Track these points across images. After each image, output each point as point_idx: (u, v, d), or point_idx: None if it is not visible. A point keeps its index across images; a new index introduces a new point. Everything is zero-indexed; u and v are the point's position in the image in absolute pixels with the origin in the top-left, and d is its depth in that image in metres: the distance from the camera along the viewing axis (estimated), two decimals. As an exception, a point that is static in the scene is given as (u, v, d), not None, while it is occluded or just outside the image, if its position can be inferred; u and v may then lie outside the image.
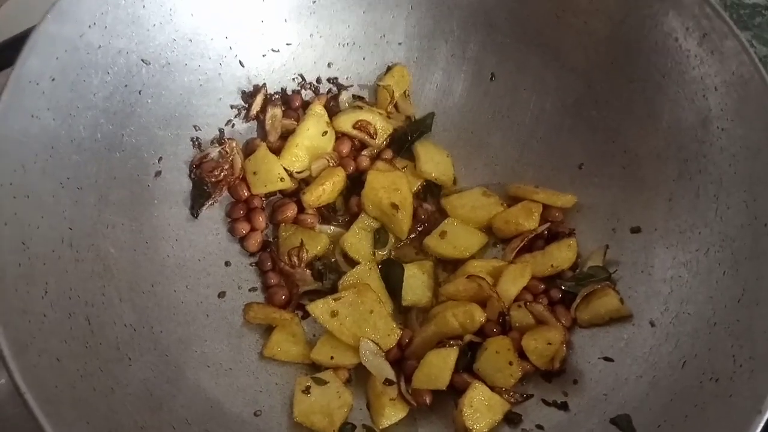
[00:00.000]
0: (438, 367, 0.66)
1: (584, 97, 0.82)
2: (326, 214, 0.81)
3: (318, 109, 0.84)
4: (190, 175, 0.77)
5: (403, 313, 0.75)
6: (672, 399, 0.61)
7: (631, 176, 0.78)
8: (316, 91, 0.88)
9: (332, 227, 0.80)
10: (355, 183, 0.82)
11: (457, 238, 0.79)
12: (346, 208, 0.82)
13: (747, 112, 0.68)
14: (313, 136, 0.82)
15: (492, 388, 0.66)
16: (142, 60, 0.73)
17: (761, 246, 0.62)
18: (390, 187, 0.80)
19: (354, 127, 0.84)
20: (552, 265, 0.75)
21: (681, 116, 0.74)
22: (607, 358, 0.69)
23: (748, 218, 0.65)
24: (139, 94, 0.73)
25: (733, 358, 0.58)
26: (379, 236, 0.79)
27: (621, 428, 0.61)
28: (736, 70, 0.69)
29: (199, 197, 0.76)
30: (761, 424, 0.52)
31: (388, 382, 0.66)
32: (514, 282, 0.73)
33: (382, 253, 0.78)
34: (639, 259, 0.74)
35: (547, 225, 0.79)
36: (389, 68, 0.89)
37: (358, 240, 0.78)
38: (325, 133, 0.83)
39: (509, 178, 0.84)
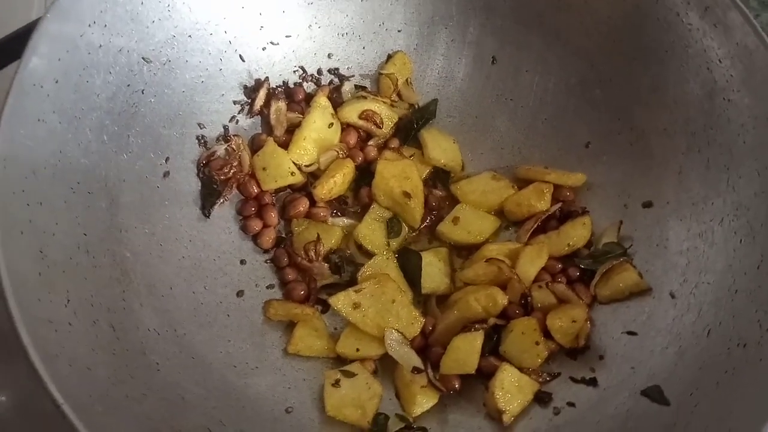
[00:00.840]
0: (465, 351, 0.66)
1: (588, 76, 0.82)
2: (337, 206, 0.80)
3: (322, 100, 0.82)
4: (198, 175, 0.75)
5: (422, 302, 0.75)
6: (701, 367, 0.61)
7: (640, 152, 0.78)
8: (317, 83, 0.87)
9: (345, 219, 0.79)
10: (364, 174, 0.82)
11: (470, 223, 0.79)
12: (356, 199, 0.81)
13: (753, 81, 0.69)
14: (319, 129, 0.81)
15: (520, 369, 0.67)
16: (143, 58, 0.71)
17: None
18: (400, 176, 0.79)
19: (360, 117, 0.83)
20: (568, 244, 0.75)
21: (686, 90, 0.74)
22: (630, 332, 0.69)
23: (761, 186, 0.66)
24: (142, 93, 0.71)
25: (759, 324, 0.59)
26: (392, 226, 0.78)
27: (653, 399, 0.62)
28: (740, 41, 0.69)
29: (209, 196, 0.74)
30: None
31: (416, 370, 0.66)
32: (532, 263, 0.73)
33: (396, 243, 0.78)
34: (653, 233, 0.74)
35: (559, 205, 0.79)
36: (390, 56, 0.88)
37: (371, 231, 0.77)
38: (331, 124, 0.82)
39: (516, 161, 0.85)
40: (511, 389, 0.64)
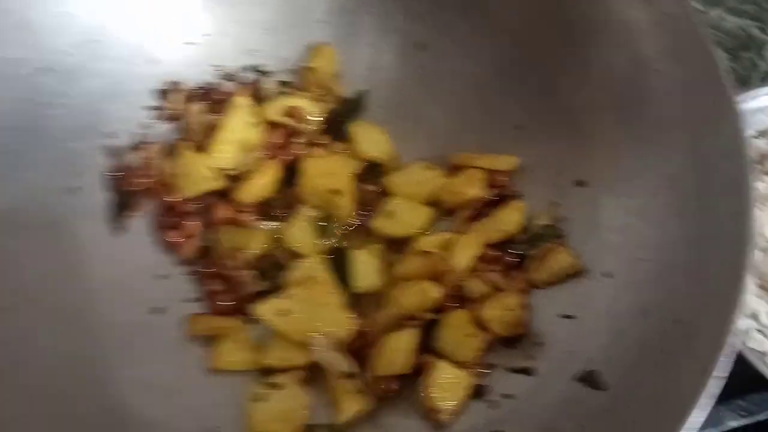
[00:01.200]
0: (397, 350, 0.63)
1: (517, 57, 0.79)
2: (264, 210, 0.76)
3: (242, 100, 0.79)
4: (110, 187, 0.71)
5: (357, 302, 0.72)
6: (640, 348, 0.60)
7: (572, 130, 0.76)
8: (239, 82, 0.83)
9: (272, 223, 0.76)
10: (293, 174, 0.78)
11: (404, 216, 0.77)
12: (284, 201, 0.78)
13: (679, 51, 0.67)
14: (240, 130, 0.77)
15: (457, 364, 0.64)
16: (45, 68, 0.67)
17: (707, 184, 0.61)
18: (328, 173, 0.76)
19: (284, 114, 0.80)
20: (501, 230, 0.73)
21: (615, 63, 0.72)
22: (568, 316, 0.67)
23: (691, 158, 0.64)
24: (46, 105, 0.67)
25: (693, 298, 0.57)
26: (323, 226, 0.75)
27: (590, 385, 0.60)
28: (665, 10, 0.67)
29: (122, 209, 0.71)
30: (726, 357, 0.51)
31: (346, 374, 0.63)
32: (465, 252, 0.70)
33: (327, 243, 0.75)
34: (588, 212, 0.72)
35: (493, 190, 0.77)
36: (314, 49, 0.84)
37: (300, 232, 0.74)
38: (253, 124, 0.78)
39: (450, 149, 0.82)
40: (445, 386, 0.61)
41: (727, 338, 0.50)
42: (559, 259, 0.69)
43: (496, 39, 0.80)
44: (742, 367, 0.73)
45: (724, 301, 0.52)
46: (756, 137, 0.96)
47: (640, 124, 0.70)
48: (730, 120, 0.60)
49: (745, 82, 1.06)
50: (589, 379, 0.61)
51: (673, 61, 0.68)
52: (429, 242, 0.72)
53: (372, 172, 0.81)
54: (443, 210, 0.79)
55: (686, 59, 0.66)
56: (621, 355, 0.61)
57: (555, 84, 0.77)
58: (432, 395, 0.61)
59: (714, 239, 0.58)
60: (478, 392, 0.64)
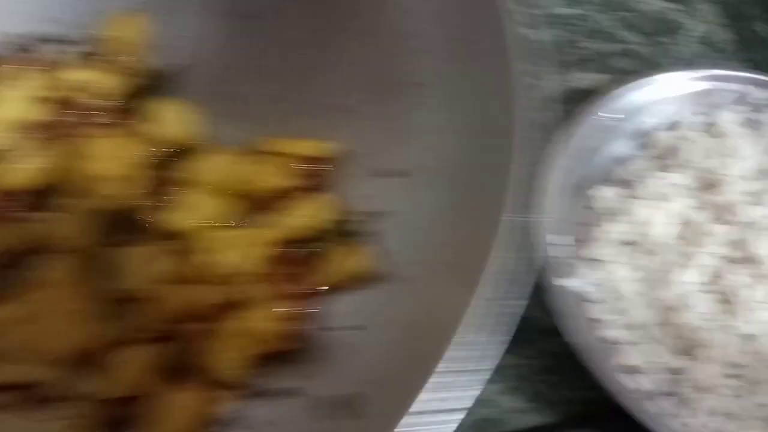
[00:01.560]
0: (131, 368, 0.53)
1: (340, 31, 0.69)
2: (34, 198, 0.66)
3: (26, 73, 0.69)
4: None
5: (116, 309, 0.61)
6: (411, 361, 0.49)
7: (393, 113, 0.66)
8: (36, 53, 0.73)
9: (39, 214, 0.65)
10: (77, 157, 0.68)
11: (201, 208, 0.66)
12: (61, 188, 0.67)
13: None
14: (15, 106, 0.67)
15: (213, 384, 0.54)
16: None
17: (477, 178, 0.52)
18: (114, 157, 0.66)
19: (74, 89, 0.70)
20: (298, 227, 0.63)
21: (434, 30, 0.62)
22: (356, 327, 0.57)
23: (482, 139, 0.55)
24: None
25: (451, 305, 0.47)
26: (100, 218, 0.65)
27: (353, 411, 0.50)
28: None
29: None
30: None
31: (74, 396, 0.53)
32: (246, 251, 0.60)
33: (99, 237, 0.64)
34: (400, 206, 0.62)
35: (305, 180, 0.67)
36: (124, 18, 0.74)
37: (68, 225, 0.63)
38: (30, 99, 0.68)
39: (269, 131, 0.71)
40: (178, 415, 0.51)
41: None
42: (354, 261, 0.59)
43: (323, 13, 0.70)
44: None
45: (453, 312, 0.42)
46: (664, 129, 0.86)
47: (456, 98, 0.60)
48: (509, 101, 0.50)
49: (658, 69, 0.97)
50: (353, 404, 0.50)
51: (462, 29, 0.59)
52: (208, 239, 0.62)
53: (175, 156, 0.71)
54: (249, 201, 0.68)
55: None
56: (390, 374, 0.50)
57: (374, 60, 0.67)
58: (155, 424, 0.51)
59: (471, 241, 0.48)
60: (230, 419, 0.53)
